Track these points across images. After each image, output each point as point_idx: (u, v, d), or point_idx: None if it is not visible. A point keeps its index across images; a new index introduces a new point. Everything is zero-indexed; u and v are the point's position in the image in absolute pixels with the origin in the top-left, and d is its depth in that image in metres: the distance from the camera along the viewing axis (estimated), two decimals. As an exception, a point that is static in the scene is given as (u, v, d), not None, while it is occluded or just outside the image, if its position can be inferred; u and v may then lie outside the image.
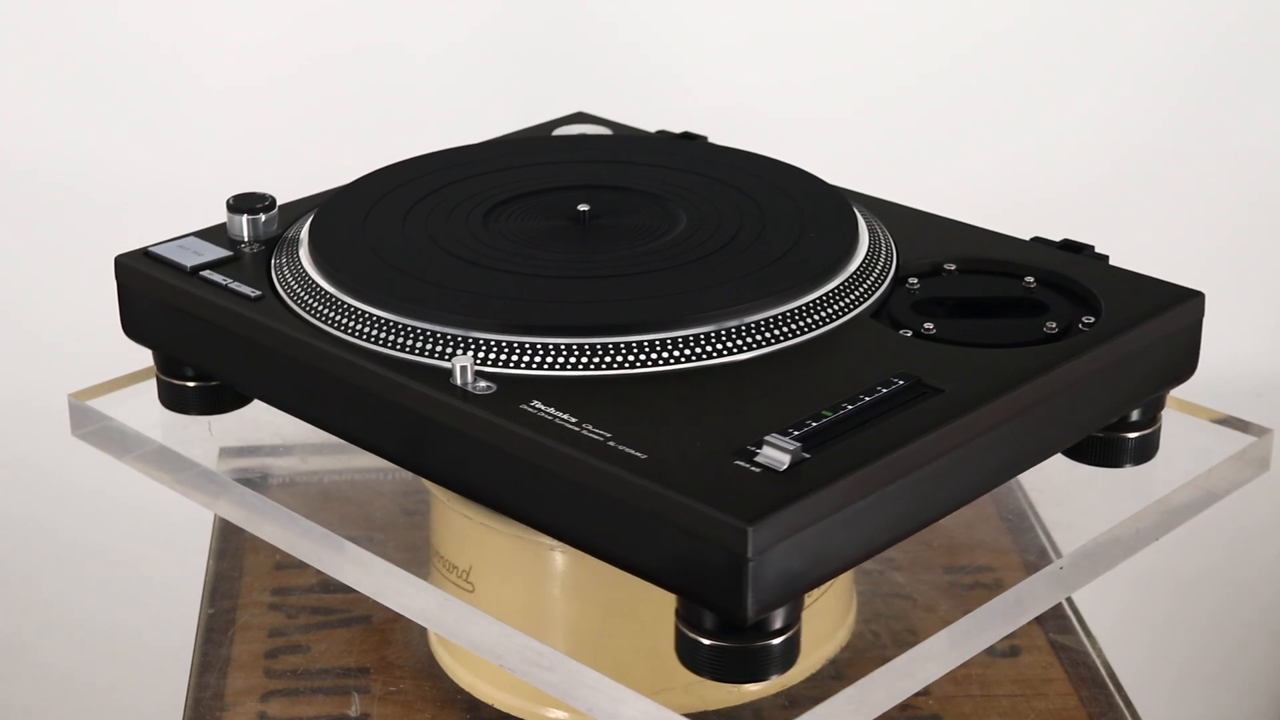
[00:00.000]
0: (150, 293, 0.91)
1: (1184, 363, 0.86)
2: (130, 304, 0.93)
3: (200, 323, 0.89)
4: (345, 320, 0.83)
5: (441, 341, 0.80)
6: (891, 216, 0.94)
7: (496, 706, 0.90)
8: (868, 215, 0.93)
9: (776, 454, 0.71)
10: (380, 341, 0.82)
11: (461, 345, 0.80)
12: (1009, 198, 1.47)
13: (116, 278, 0.93)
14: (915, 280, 0.87)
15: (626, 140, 1.04)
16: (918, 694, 0.93)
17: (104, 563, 1.48)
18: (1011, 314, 0.84)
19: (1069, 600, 0.99)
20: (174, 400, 0.94)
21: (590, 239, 0.90)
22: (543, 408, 0.76)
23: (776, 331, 0.81)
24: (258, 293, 0.87)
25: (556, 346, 0.79)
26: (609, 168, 0.98)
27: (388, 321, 0.82)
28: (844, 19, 1.45)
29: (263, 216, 0.93)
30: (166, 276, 0.90)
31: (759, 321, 0.81)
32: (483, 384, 0.78)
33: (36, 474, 1.46)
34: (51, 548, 1.48)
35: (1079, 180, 1.49)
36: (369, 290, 0.84)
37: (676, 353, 0.79)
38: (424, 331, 0.81)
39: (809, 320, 0.82)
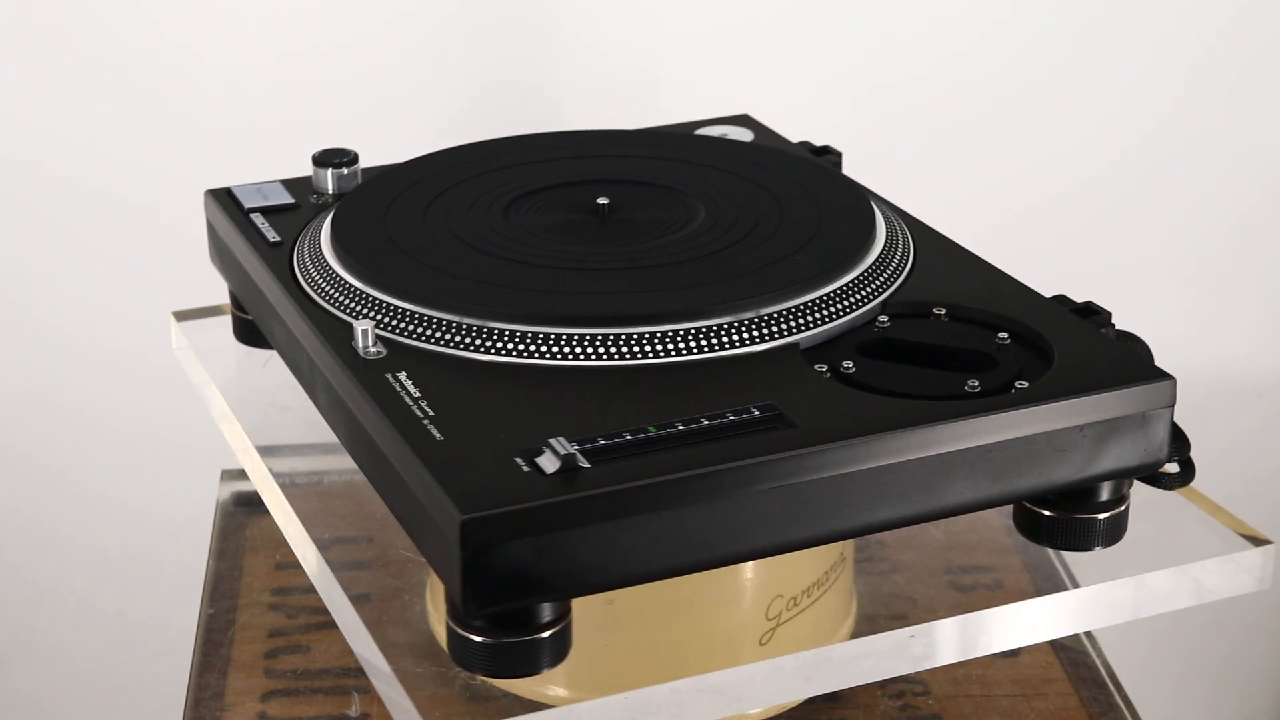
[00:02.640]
0: (217, 227, 0.98)
1: (1146, 449, 0.79)
2: (210, 235, 1.00)
3: (233, 258, 0.95)
4: (310, 271, 0.87)
5: (357, 301, 0.84)
6: (929, 247, 0.91)
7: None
8: (900, 243, 0.90)
9: (550, 457, 0.71)
10: (324, 295, 0.86)
11: (368, 308, 0.83)
12: (1008, 196, 1.46)
13: (205, 210, 1.00)
14: (886, 318, 0.84)
15: (682, 138, 1.05)
16: (918, 694, 0.93)
17: (104, 562, 1.49)
18: (947, 367, 0.80)
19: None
20: (242, 333, 1.01)
21: (595, 232, 0.91)
22: (403, 380, 0.78)
23: (691, 343, 0.80)
24: (278, 239, 0.92)
25: (442, 322, 0.81)
26: (656, 164, 0.99)
27: (334, 276, 0.86)
28: (843, 18, 1.45)
29: (345, 171, 0.98)
30: (228, 213, 0.96)
31: (678, 331, 0.80)
32: (374, 349, 0.80)
33: (39, 471, 1.46)
34: (51, 546, 1.48)
35: (1078, 179, 1.46)
36: (346, 251, 0.87)
37: (571, 349, 0.79)
38: (348, 289, 0.85)
39: (730, 338, 0.80)
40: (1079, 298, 0.94)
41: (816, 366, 0.79)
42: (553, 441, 0.71)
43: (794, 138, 1.09)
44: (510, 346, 0.80)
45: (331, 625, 0.98)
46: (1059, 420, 0.76)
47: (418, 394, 0.76)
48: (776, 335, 0.81)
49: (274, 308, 0.89)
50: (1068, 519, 0.80)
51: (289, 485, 0.94)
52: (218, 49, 1.36)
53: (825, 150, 1.05)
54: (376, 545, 0.95)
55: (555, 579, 0.70)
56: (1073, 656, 0.95)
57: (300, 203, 0.97)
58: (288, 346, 0.88)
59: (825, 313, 0.82)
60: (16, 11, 1.33)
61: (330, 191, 0.98)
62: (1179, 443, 0.83)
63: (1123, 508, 0.81)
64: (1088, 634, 0.97)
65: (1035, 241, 1.47)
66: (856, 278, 0.85)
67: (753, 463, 0.71)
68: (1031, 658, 0.95)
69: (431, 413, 0.75)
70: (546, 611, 0.72)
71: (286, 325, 0.87)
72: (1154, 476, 0.83)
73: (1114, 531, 0.81)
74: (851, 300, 0.84)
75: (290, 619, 0.99)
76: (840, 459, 0.73)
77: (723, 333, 0.80)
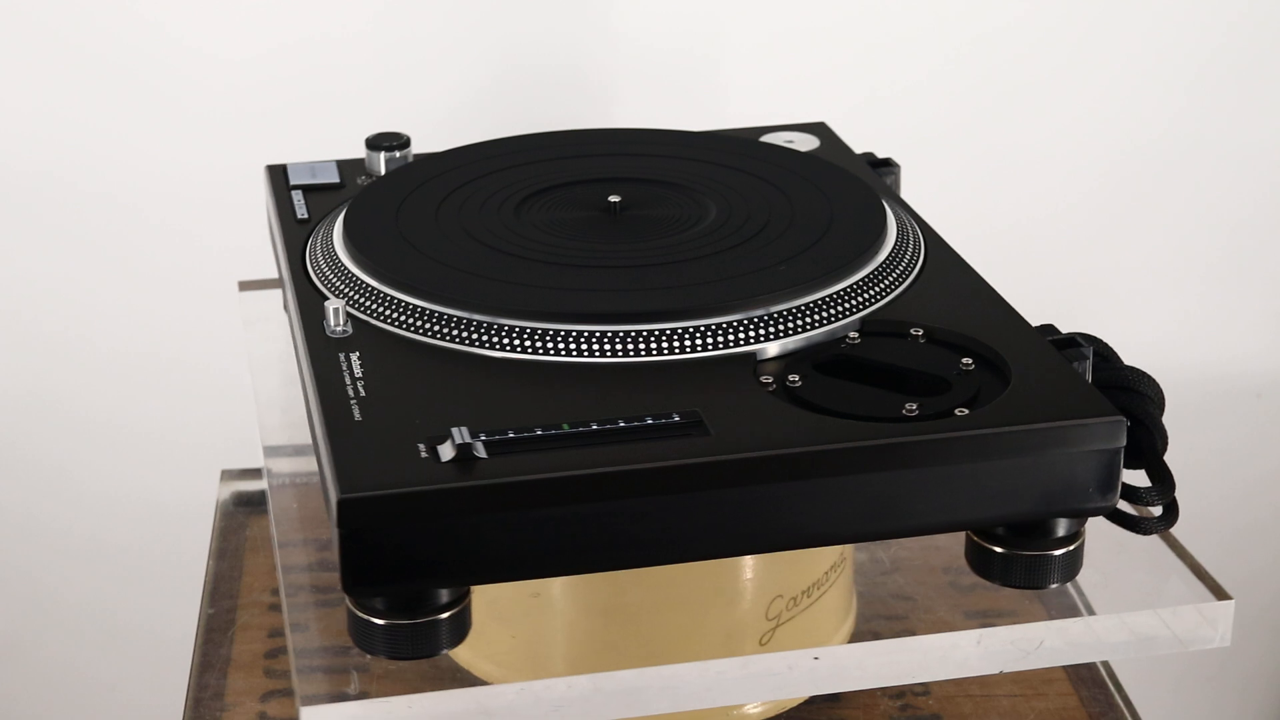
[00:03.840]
0: (266, 201, 1.01)
1: (1090, 489, 0.75)
2: (267, 210, 1.02)
3: (272, 231, 0.98)
4: (316, 249, 0.90)
5: (342, 279, 0.86)
6: (938, 266, 0.89)
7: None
8: (903, 261, 0.88)
9: (449, 445, 0.71)
10: (319, 273, 0.88)
11: (349, 287, 0.85)
12: (1008, 196, 1.44)
13: (264, 183, 1.03)
14: (857, 335, 0.82)
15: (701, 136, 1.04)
16: (918, 694, 0.93)
17: (104, 562, 1.49)
18: (901, 389, 0.78)
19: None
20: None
21: (594, 230, 0.91)
22: (354, 359, 0.79)
23: (641, 345, 0.79)
24: (305, 216, 0.95)
25: (405, 305, 0.82)
26: (689, 165, 0.99)
27: (331, 255, 0.88)
28: (846, 12, 1.44)
29: (397, 154, 1.00)
30: (275, 188, 0.99)
31: (630, 332, 0.80)
32: (341, 328, 0.82)
33: (38, 470, 1.46)
34: (51, 546, 1.49)
35: (1080, 178, 1.46)
36: (346, 231, 0.89)
37: (522, 342, 0.80)
38: (338, 267, 0.87)
39: (681, 343, 0.80)
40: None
41: (763, 378, 0.78)
42: (454, 430, 0.72)
43: (878, 146, 1.08)
44: (463, 335, 0.81)
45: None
46: (987, 452, 0.74)
47: (360, 374, 0.78)
48: (730, 344, 0.80)
49: (283, 281, 0.91)
50: (1014, 555, 0.77)
51: (284, 485, 0.95)
52: (225, 44, 1.36)
53: (885, 162, 1.03)
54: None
55: (438, 566, 0.70)
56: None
57: (346, 183, 0.99)
58: (290, 321, 0.90)
59: (783, 327, 0.81)
60: (16, 12, 1.33)
61: (384, 173, 1.00)
62: (1163, 485, 0.80)
63: (1075, 545, 0.78)
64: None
65: (1036, 241, 1.46)
66: (831, 294, 0.84)
67: (643, 468, 0.71)
68: (1031, 657, 0.95)
69: (363, 394, 0.76)
70: (444, 593, 0.72)
71: (288, 299, 0.89)
72: (1132, 521, 0.81)
73: (1069, 569, 0.78)
74: (820, 316, 0.82)
75: (291, 619, 0.99)
76: (739, 472, 0.72)
77: (675, 337, 0.80)
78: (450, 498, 0.69)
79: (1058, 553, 0.77)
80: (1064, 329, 0.84)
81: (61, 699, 1.53)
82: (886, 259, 0.87)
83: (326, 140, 1.16)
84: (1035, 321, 0.84)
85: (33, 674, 1.52)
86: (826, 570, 0.88)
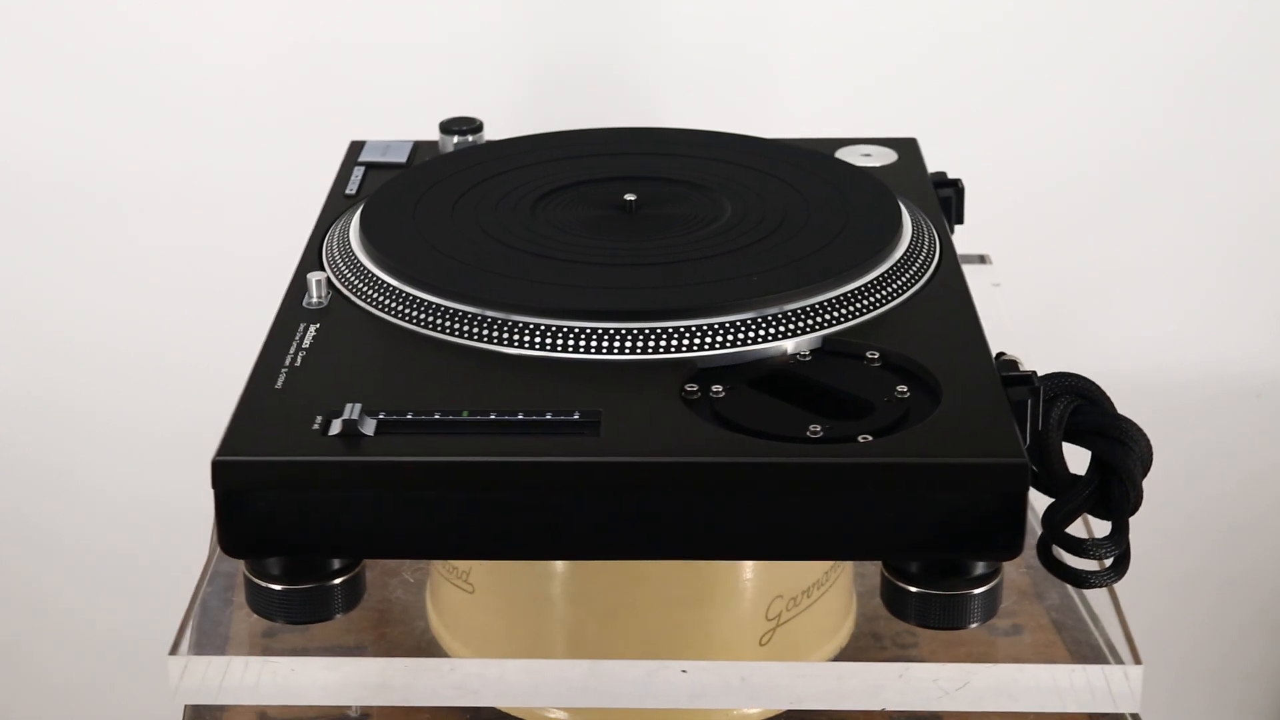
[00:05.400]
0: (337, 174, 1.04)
1: (984, 534, 0.72)
2: None
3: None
4: (336, 225, 0.93)
5: (341, 256, 0.88)
6: (940, 286, 0.87)
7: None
8: (899, 280, 0.86)
9: (339, 420, 0.73)
10: (329, 248, 0.91)
11: (341, 262, 0.88)
12: (1010, 190, 1.42)
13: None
14: (808, 354, 0.80)
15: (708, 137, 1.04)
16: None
17: (103, 562, 1.50)
18: (815, 410, 0.76)
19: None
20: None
21: (592, 228, 0.91)
22: (310, 331, 0.81)
23: (583, 342, 0.80)
24: (352, 193, 0.98)
25: (378, 282, 0.84)
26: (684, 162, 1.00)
27: (342, 233, 0.91)
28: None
29: (470, 138, 1.03)
30: (345, 164, 1.03)
31: (574, 328, 0.80)
32: (317, 300, 0.84)
33: (36, 471, 1.47)
34: (50, 547, 1.49)
35: (1080, 176, 1.43)
36: (363, 212, 0.92)
37: (472, 329, 0.81)
38: (341, 243, 0.89)
39: (621, 344, 0.80)
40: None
41: (687, 386, 0.77)
42: (347, 405, 0.73)
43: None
44: (419, 317, 0.82)
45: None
46: (866, 481, 0.72)
47: (307, 346, 0.80)
48: (668, 349, 0.80)
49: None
50: (929, 595, 0.75)
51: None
52: (220, 47, 1.37)
53: (952, 183, 1.01)
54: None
55: (314, 537, 0.72)
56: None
57: (412, 164, 1.02)
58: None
59: (720, 338, 0.80)
60: (16, 14, 1.35)
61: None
62: (1117, 539, 0.77)
63: (994, 583, 0.75)
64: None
65: (1036, 239, 1.42)
66: (789, 310, 0.82)
67: (508, 460, 0.72)
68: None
69: (297, 364, 0.78)
70: (334, 560, 0.74)
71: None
72: (1074, 574, 0.78)
73: (988, 608, 0.76)
74: (769, 331, 0.81)
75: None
76: (607, 474, 0.72)
77: (616, 337, 0.80)
78: (321, 470, 0.71)
79: (976, 592, 0.75)
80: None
81: (61, 699, 1.55)
82: (872, 281, 0.85)
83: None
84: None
85: (32, 674, 1.54)
86: (826, 570, 0.87)
